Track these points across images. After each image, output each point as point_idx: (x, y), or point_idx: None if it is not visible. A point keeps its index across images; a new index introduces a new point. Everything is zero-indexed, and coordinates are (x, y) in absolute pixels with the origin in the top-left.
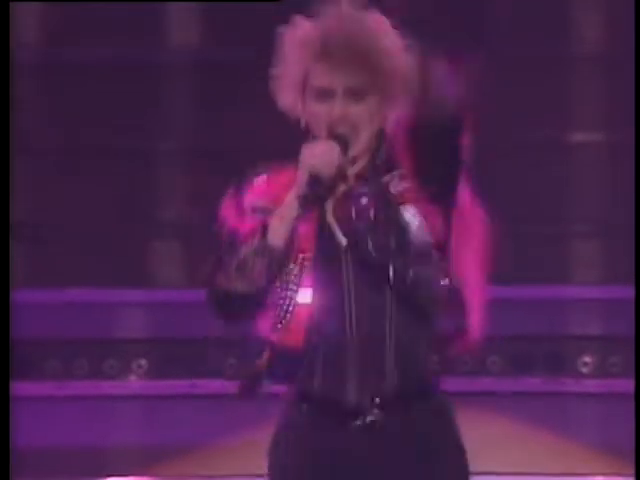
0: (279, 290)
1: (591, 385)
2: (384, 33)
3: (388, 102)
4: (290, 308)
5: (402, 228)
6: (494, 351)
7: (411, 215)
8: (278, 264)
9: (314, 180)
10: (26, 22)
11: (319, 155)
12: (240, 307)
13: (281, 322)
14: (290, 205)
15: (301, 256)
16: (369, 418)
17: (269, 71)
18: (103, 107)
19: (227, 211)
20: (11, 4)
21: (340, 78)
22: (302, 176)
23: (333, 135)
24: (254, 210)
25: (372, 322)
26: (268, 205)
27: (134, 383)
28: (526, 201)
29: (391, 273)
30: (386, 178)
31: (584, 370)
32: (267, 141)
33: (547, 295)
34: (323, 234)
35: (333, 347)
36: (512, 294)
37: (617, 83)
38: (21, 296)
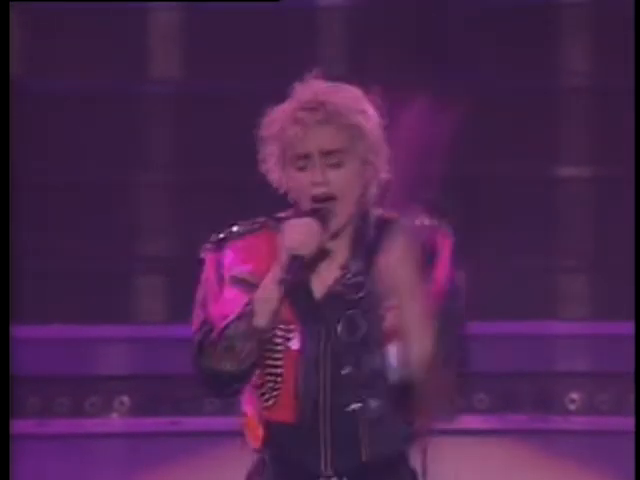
0: (267, 366)
1: (579, 422)
2: (357, 98)
3: (368, 169)
4: (278, 385)
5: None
6: (481, 389)
7: (394, 354)
8: (265, 341)
9: (294, 262)
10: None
11: (298, 235)
12: (229, 384)
13: (271, 397)
14: (271, 287)
15: (284, 327)
16: None
17: (251, 103)
18: (84, 139)
19: (209, 272)
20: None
21: (314, 141)
22: (282, 257)
23: (313, 211)
24: (234, 280)
25: (344, 396)
26: (247, 277)
27: (116, 421)
28: (512, 235)
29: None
30: (383, 308)
31: (572, 407)
32: (249, 173)
33: (534, 331)
34: (306, 311)
35: (312, 420)
36: (498, 330)
37: (607, 117)
38: None
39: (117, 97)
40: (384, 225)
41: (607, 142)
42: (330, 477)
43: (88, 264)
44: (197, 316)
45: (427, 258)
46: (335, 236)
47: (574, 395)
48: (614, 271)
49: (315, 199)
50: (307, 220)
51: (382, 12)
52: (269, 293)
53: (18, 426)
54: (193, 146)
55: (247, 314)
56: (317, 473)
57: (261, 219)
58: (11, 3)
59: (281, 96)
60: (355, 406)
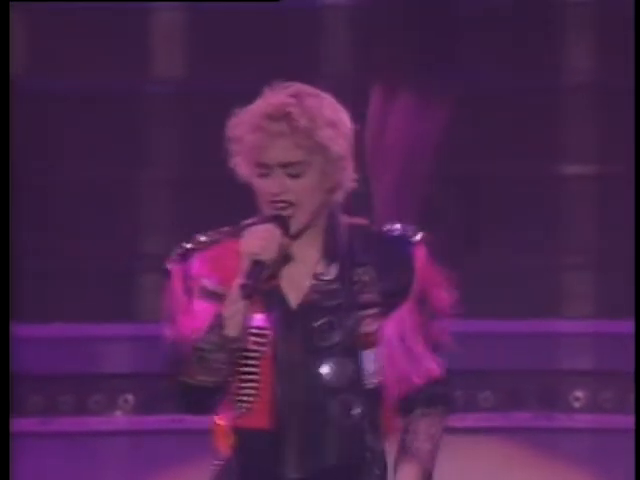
0: (243, 373)
1: (583, 420)
2: (327, 108)
3: (330, 179)
4: (254, 392)
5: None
6: (487, 386)
7: (371, 360)
8: (240, 350)
9: (256, 267)
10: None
11: (258, 241)
12: (206, 398)
13: (247, 404)
14: (236, 295)
15: (259, 334)
16: None
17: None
18: (87, 138)
19: (176, 284)
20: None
21: (274, 152)
22: (244, 264)
23: (272, 217)
24: (203, 292)
25: (319, 402)
26: (217, 289)
27: (120, 419)
28: (513, 235)
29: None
30: (359, 314)
31: (576, 405)
32: None
33: (538, 329)
34: (281, 317)
35: (287, 425)
36: (502, 328)
37: (609, 115)
38: None
39: (118, 97)
40: (355, 232)
41: (610, 140)
42: None
43: (91, 262)
44: (168, 333)
45: (402, 273)
46: (295, 238)
47: (578, 393)
48: (617, 269)
49: (274, 207)
50: (267, 226)
51: (385, 12)
52: (235, 302)
53: (22, 424)
54: (195, 145)
55: (217, 325)
56: (288, 476)
57: (226, 228)
58: (11, 3)
59: None
60: (355, 411)
